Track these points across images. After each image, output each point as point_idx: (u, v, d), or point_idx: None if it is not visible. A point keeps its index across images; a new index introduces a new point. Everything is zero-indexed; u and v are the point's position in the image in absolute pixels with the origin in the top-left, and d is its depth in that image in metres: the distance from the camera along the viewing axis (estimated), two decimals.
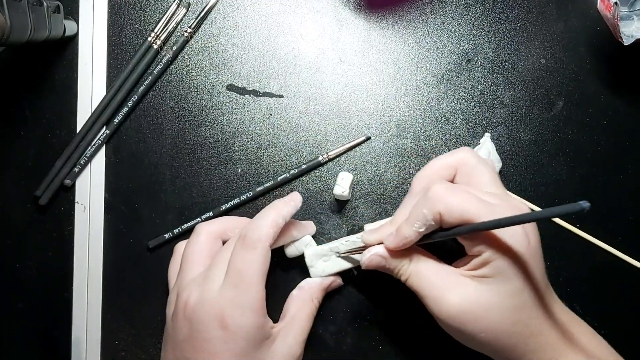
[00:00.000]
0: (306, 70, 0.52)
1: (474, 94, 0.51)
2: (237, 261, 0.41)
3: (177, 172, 0.52)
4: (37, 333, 0.52)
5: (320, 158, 0.51)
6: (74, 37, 0.52)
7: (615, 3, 0.45)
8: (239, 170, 0.51)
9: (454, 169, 0.43)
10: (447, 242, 0.43)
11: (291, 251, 0.48)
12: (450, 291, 0.40)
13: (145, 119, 0.52)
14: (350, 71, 0.52)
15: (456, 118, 0.51)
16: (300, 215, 0.51)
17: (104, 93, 0.52)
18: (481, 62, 0.51)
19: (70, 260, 0.52)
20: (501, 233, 0.39)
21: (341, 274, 0.49)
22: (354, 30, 0.52)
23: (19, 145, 0.52)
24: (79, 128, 0.52)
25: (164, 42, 0.52)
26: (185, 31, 0.52)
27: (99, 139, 0.52)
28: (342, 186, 0.49)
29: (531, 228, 0.40)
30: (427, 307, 0.41)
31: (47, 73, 0.52)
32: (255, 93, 0.52)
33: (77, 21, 0.52)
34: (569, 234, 0.50)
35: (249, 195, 0.51)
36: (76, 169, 0.51)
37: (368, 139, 0.51)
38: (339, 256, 0.47)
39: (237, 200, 0.51)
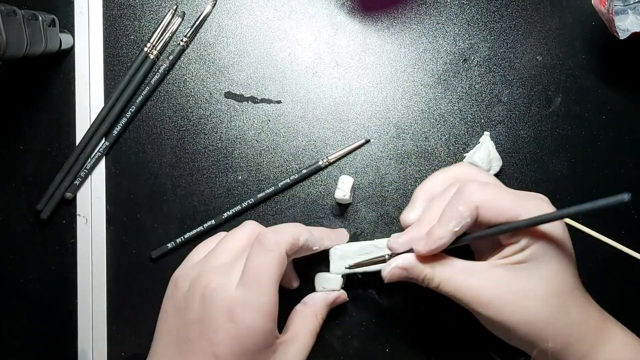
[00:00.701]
0: (303, 76, 0.52)
1: (471, 93, 0.51)
2: (251, 262, 0.41)
3: (177, 182, 0.52)
4: (43, 346, 0.52)
5: (320, 162, 0.51)
6: (70, 50, 0.52)
7: None
8: (240, 177, 0.51)
9: (458, 179, 0.43)
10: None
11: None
12: (485, 287, 0.39)
13: (144, 130, 0.52)
14: (347, 75, 0.52)
15: (455, 118, 0.51)
16: (302, 220, 0.51)
17: (102, 105, 0.52)
18: (478, 61, 0.51)
19: (73, 272, 0.52)
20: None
21: (347, 280, 0.49)
22: (349, 33, 0.52)
23: (18, 159, 0.52)
24: (78, 140, 0.52)
25: (160, 52, 0.52)
26: (181, 40, 0.52)
27: (98, 150, 0.52)
28: (343, 190, 0.49)
29: None
30: (466, 307, 0.40)
31: (45, 87, 0.52)
32: (253, 100, 0.52)
33: (72, 34, 0.52)
34: (571, 229, 0.50)
35: (250, 202, 0.51)
36: (77, 182, 0.51)
37: (367, 141, 0.51)
38: (348, 267, 0.46)
39: (238, 208, 0.51)
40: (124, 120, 0.51)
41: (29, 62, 0.51)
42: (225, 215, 0.51)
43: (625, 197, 0.32)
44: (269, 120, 0.52)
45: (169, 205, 0.51)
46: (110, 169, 0.52)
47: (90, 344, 0.51)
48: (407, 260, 0.41)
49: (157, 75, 0.52)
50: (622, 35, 0.46)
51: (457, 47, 0.51)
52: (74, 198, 0.52)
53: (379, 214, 0.51)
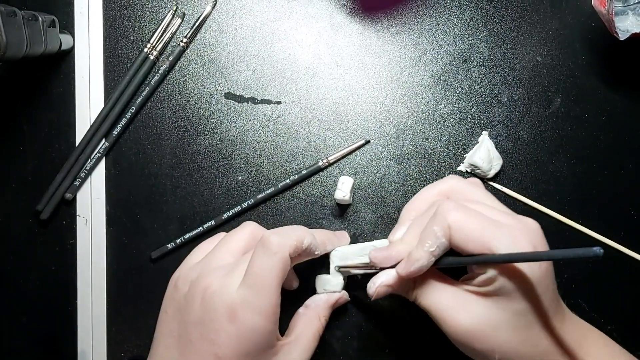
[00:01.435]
0: (303, 76, 0.52)
1: (471, 94, 0.51)
2: (255, 264, 0.41)
3: (177, 182, 0.52)
4: (43, 347, 0.52)
5: (320, 163, 0.51)
6: (70, 51, 0.52)
7: None
8: (240, 178, 0.51)
9: (445, 195, 0.43)
10: None
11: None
12: (459, 311, 0.40)
13: (144, 130, 0.52)
14: (347, 75, 0.52)
15: (455, 118, 0.51)
16: (302, 221, 0.51)
17: (102, 105, 0.52)
18: (477, 62, 0.51)
19: (73, 273, 0.52)
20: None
21: (347, 281, 0.49)
22: (349, 34, 0.52)
23: (18, 160, 0.52)
24: (77, 141, 0.52)
25: (160, 53, 0.52)
26: (181, 41, 0.52)
27: (98, 151, 0.52)
28: (343, 190, 0.49)
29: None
30: (438, 325, 0.41)
31: (44, 87, 0.52)
32: (253, 100, 0.52)
33: (72, 35, 0.52)
34: (571, 230, 0.50)
35: (250, 203, 0.51)
36: (76, 183, 0.51)
37: (367, 142, 0.51)
38: (338, 271, 0.47)
39: (238, 208, 0.51)
40: (123, 121, 0.51)
41: (29, 63, 0.51)
42: (225, 215, 0.51)
43: (599, 251, 0.31)
44: (269, 121, 0.52)
45: (168, 206, 0.51)
46: (110, 170, 0.52)
47: (90, 344, 0.51)
48: (390, 277, 0.42)
49: (157, 76, 0.52)
50: (622, 36, 0.46)
51: (457, 48, 0.51)
52: (74, 199, 0.52)
53: (379, 214, 0.51)
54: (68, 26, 0.52)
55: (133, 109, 0.52)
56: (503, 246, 0.37)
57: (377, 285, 0.42)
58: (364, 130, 0.51)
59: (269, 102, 0.52)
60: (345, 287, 0.49)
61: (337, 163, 0.51)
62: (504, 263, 0.38)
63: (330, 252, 0.47)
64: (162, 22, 0.52)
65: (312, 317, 0.46)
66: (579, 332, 0.41)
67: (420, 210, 0.43)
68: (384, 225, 0.51)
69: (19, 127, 0.52)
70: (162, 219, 0.51)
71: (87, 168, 0.51)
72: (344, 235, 0.49)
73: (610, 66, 0.51)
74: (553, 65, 0.51)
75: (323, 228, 0.51)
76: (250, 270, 0.41)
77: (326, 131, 0.51)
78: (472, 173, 0.51)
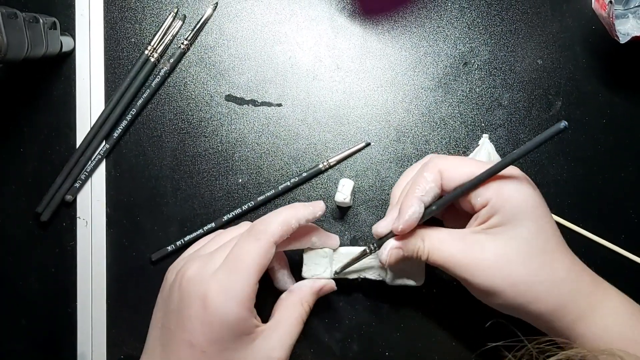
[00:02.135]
0: (304, 79, 0.52)
1: (472, 96, 0.51)
2: (236, 248, 0.41)
3: (178, 184, 0.52)
4: (42, 349, 0.52)
5: (320, 165, 0.51)
6: (71, 53, 0.52)
7: (610, 2, 0.45)
8: (240, 180, 0.51)
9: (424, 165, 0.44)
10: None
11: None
12: (469, 252, 0.40)
13: (144, 132, 0.52)
14: (347, 78, 0.52)
15: (455, 121, 0.51)
16: None
17: (103, 107, 0.52)
18: (478, 65, 0.51)
19: (73, 275, 0.52)
20: (503, 182, 0.40)
21: (345, 278, 0.49)
22: (350, 37, 0.52)
23: (18, 161, 0.52)
24: (78, 143, 0.52)
25: (161, 55, 0.52)
26: (182, 43, 0.52)
27: (98, 153, 0.52)
28: (344, 193, 0.49)
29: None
30: (454, 276, 0.41)
31: (45, 89, 0.52)
32: (253, 103, 0.52)
33: (73, 37, 0.52)
34: (571, 232, 0.50)
35: (250, 205, 0.51)
36: (77, 184, 0.51)
37: (368, 145, 0.51)
38: (336, 273, 0.47)
39: (238, 211, 0.51)
40: (124, 123, 0.51)
41: (29, 65, 0.51)
42: (226, 217, 0.51)
43: (562, 125, 0.35)
44: (270, 123, 0.52)
45: (169, 208, 0.51)
46: (111, 172, 0.52)
47: (90, 347, 0.51)
48: (400, 239, 0.42)
49: (158, 78, 0.52)
50: (623, 39, 0.46)
51: (457, 51, 0.52)
52: (74, 200, 0.52)
53: (379, 217, 0.51)
54: (69, 28, 0.52)
55: (134, 111, 0.52)
56: (490, 189, 0.40)
57: (388, 249, 0.42)
58: (364, 133, 0.51)
59: (269, 104, 0.52)
60: (345, 290, 0.49)
61: (338, 165, 0.51)
62: (490, 177, 0.39)
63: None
64: (163, 24, 0.52)
65: (294, 302, 0.45)
66: (592, 273, 0.41)
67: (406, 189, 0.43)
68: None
69: (19, 129, 0.52)
70: (163, 221, 0.51)
71: (88, 170, 0.51)
72: (321, 204, 0.46)
73: (610, 69, 0.51)
74: (553, 68, 0.51)
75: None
76: (231, 254, 0.41)
77: (327, 134, 0.51)
78: None
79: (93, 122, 0.52)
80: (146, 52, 0.52)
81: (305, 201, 0.51)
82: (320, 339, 0.51)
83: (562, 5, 0.52)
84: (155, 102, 0.52)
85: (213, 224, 0.51)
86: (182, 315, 0.40)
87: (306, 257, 0.47)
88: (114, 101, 0.52)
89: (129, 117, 0.52)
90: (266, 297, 0.45)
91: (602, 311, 0.39)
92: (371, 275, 0.48)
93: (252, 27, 0.52)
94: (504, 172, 0.40)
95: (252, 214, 0.51)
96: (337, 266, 0.47)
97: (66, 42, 0.51)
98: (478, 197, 0.40)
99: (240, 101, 0.52)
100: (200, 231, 0.51)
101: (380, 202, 0.51)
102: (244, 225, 0.46)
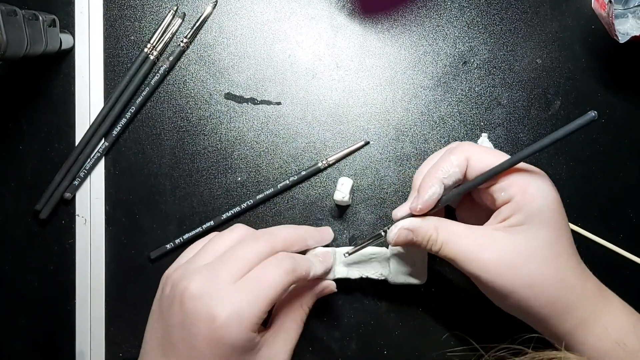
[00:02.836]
0: (303, 77, 0.52)
1: (471, 95, 0.51)
2: (261, 273, 0.40)
3: (177, 182, 0.52)
4: (41, 348, 0.52)
5: (319, 164, 0.51)
6: (71, 50, 0.52)
7: (610, 1, 0.45)
8: (239, 178, 0.51)
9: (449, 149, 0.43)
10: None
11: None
12: (486, 249, 0.39)
13: (143, 130, 0.52)
14: (347, 76, 0.52)
15: (454, 120, 0.51)
16: (301, 222, 0.51)
17: (102, 105, 0.52)
18: (477, 64, 0.51)
19: (72, 273, 0.51)
20: (529, 180, 0.39)
21: (344, 278, 0.49)
22: (349, 35, 0.52)
23: (17, 159, 0.52)
24: (77, 141, 0.52)
25: (161, 53, 0.52)
26: (181, 41, 0.52)
27: (97, 151, 0.52)
28: (343, 191, 0.49)
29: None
30: (465, 272, 0.40)
31: (44, 87, 0.52)
32: (252, 101, 0.52)
33: (73, 34, 0.52)
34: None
35: (249, 203, 0.51)
36: (76, 182, 0.51)
37: (367, 143, 0.51)
38: (348, 254, 0.46)
39: (237, 209, 0.51)
40: (123, 121, 0.51)
41: (29, 62, 0.51)
42: (225, 216, 0.51)
43: (592, 114, 0.35)
44: (269, 122, 0.52)
45: (168, 206, 0.51)
46: (110, 170, 0.52)
47: (88, 345, 0.51)
48: (412, 222, 0.42)
49: (157, 76, 0.52)
50: (622, 39, 0.46)
51: (457, 50, 0.52)
52: (73, 198, 0.52)
53: (378, 215, 0.51)
54: (68, 26, 0.52)
55: (133, 109, 0.52)
56: (515, 185, 0.39)
57: (398, 227, 0.42)
58: (363, 132, 0.51)
59: (268, 102, 0.52)
60: (344, 289, 0.49)
61: (337, 164, 0.51)
62: (513, 165, 0.39)
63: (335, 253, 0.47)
64: (162, 22, 0.52)
65: (294, 305, 0.45)
66: (597, 280, 0.41)
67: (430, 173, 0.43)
68: (382, 227, 0.51)
69: (18, 127, 0.52)
70: (161, 219, 0.51)
71: (87, 168, 0.51)
72: (327, 231, 0.48)
73: (609, 69, 0.51)
74: (553, 67, 0.51)
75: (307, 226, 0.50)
76: (253, 274, 0.40)
77: (326, 132, 0.51)
78: None
79: (92, 120, 0.52)
80: (145, 50, 0.52)
81: (304, 200, 0.51)
82: (319, 338, 0.51)
83: (562, 5, 0.52)
84: (154, 100, 0.52)
85: (212, 222, 0.51)
86: (186, 331, 0.39)
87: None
88: (113, 99, 0.52)
89: (128, 115, 0.51)
90: None
91: (604, 319, 0.39)
92: (374, 274, 0.48)
93: (252, 26, 0.52)
94: (530, 169, 0.40)
95: (251, 212, 0.51)
96: (339, 267, 0.47)
97: (65, 39, 0.51)
98: (502, 191, 0.39)
99: (240, 99, 0.52)
100: (199, 229, 0.51)
101: (380, 201, 0.51)
102: (238, 229, 0.45)
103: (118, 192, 0.52)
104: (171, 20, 0.52)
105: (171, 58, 0.52)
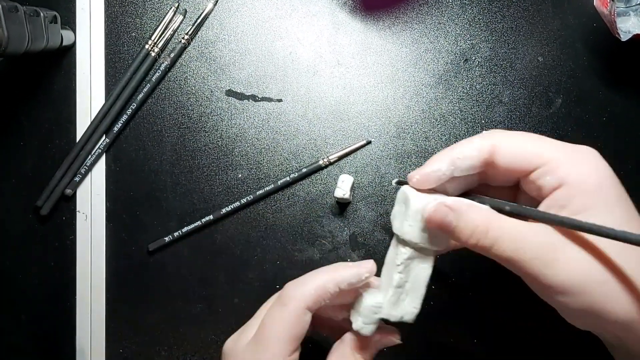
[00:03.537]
0: (304, 74, 0.52)
1: (472, 93, 0.51)
2: (266, 316, 0.39)
3: (177, 179, 0.52)
4: (41, 344, 0.52)
5: (320, 162, 0.51)
6: (72, 47, 0.52)
7: None
8: (240, 175, 0.51)
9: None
10: None
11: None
12: (562, 250, 0.31)
13: (144, 127, 0.52)
14: (348, 74, 0.52)
15: (455, 118, 0.51)
16: (301, 218, 0.51)
17: (103, 102, 0.52)
18: (479, 62, 0.51)
19: (72, 269, 0.52)
20: (578, 157, 0.33)
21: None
22: (350, 32, 0.52)
23: (18, 155, 0.52)
24: (78, 137, 0.52)
25: (162, 50, 0.52)
26: (183, 38, 0.52)
27: (98, 147, 0.52)
28: (343, 188, 0.49)
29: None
30: (530, 277, 0.32)
31: (45, 83, 0.52)
32: (253, 98, 0.52)
33: (74, 31, 0.52)
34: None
35: (249, 199, 0.51)
36: (77, 179, 0.51)
37: (369, 143, 0.51)
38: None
39: (237, 204, 0.51)
40: (124, 118, 0.52)
41: (30, 59, 0.51)
42: (224, 210, 0.51)
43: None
44: (270, 119, 0.52)
45: (168, 203, 0.51)
46: (111, 166, 0.52)
47: (89, 341, 0.51)
48: (459, 202, 0.34)
49: (158, 72, 0.52)
50: (624, 37, 0.46)
51: (458, 47, 0.51)
52: (74, 195, 0.52)
53: (379, 213, 0.51)
54: (69, 22, 0.52)
55: (134, 105, 0.52)
56: (563, 165, 0.32)
57: (439, 200, 0.34)
58: (364, 129, 0.51)
59: (269, 99, 0.52)
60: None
61: (338, 162, 0.51)
62: (574, 228, 0.31)
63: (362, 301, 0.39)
64: (163, 18, 0.52)
65: (346, 354, 0.39)
66: None
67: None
68: (383, 224, 0.51)
69: (19, 123, 0.52)
70: (162, 215, 0.51)
71: (88, 164, 0.51)
72: (370, 264, 0.39)
73: (611, 67, 0.51)
74: (554, 65, 0.51)
75: (322, 226, 0.50)
76: (260, 325, 0.39)
77: (327, 129, 0.51)
78: None
79: (93, 117, 0.52)
80: (147, 46, 0.52)
81: (305, 197, 0.51)
82: (318, 338, 0.51)
83: (564, 3, 0.51)
84: (155, 96, 0.52)
85: (211, 217, 0.51)
86: None
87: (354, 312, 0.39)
88: (114, 95, 0.52)
89: (129, 111, 0.52)
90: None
91: None
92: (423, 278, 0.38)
93: (253, 22, 0.52)
94: (570, 146, 0.34)
95: (251, 208, 0.51)
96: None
97: (67, 36, 0.51)
98: (548, 175, 0.33)
99: (241, 96, 0.52)
100: (198, 223, 0.51)
101: (380, 198, 0.51)
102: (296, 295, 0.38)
103: (119, 188, 0.52)
104: (172, 17, 0.52)
105: (172, 55, 0.52)
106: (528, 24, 0.51)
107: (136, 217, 0.52)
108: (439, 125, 0.51)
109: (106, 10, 0.52)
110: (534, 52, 0.51)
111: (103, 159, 0.52)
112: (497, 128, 0.51)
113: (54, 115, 0.52)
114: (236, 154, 0.52)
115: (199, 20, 0.52)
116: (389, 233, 0.48)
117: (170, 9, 0.52)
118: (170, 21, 0.52)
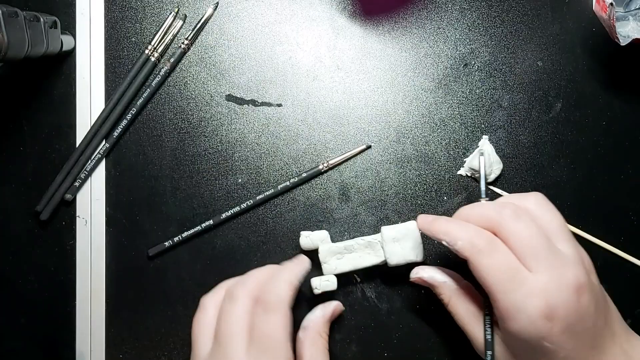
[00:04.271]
0: (304, 79, 0.52)
1: (472, 98, 0.51)
2: (262, 326, 0.41)
3: (177, 184, 0.52)
4: (41, 348, 0.52)
5: (320, 166, 0.51)
6: (72, 52, 0.52)
7: (611, 4, 0.45)
8: (240, 180, 0.51)
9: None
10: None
11: (306, 244, 0.48)
12: (518, 292, 0.38)
13: (144, 132, 0.52)
14: (347, 78, 0.52)
15: (455, 122, 0.51)
16: (302, 223, 0.51)
17: (103, 106, 0.52)
18: (478, 66, 0.51)
19: (72, 274, 0.52)
20: (503, 219, 0.40)
21: (344, 280, 0.49)
22: (350, 37, 0.52)
23: (18, 160, 0.52)
24: (78, 142, 0.52)
25: (162, 55, 0.52)
26: (183, 43, 0.52)
27: (98, 152, 0.52)
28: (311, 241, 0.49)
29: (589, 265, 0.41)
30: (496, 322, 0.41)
31: (45, 88, 0.52)
32: (253, 103, 0.52)
33: (74, 36, 0.52)
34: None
35: (249, 204, 0.51)
36: (76, 183, 0.51)
37: (369, 147, 0.51)
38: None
39: (237, 209, 0.51)
40: (124, 122, 0.52)
41: (30, 64, 0.51)
42: (224, 215, 0.51)
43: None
44: (269, 124, 0.52)
45: (168, 208, 0.51)
46: (110, 171, 0.52)
47: (89, 346, 0.51)
48: (433, 278, 0.45)
49: (158, 77, 0.52)
50: (623, 42, 0.46)
51: (457, 52, 0.52)
52: (74, 199, 0.52)
53: (379, 217, 0.51)
54: (69, 27, 0.52)
55: (134, 110, 0.52)
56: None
57: (419, 276, 0.46)
58: (364, 134, 0.51)
59: (269, 104, 0.52)
60: (344, 291, 0.49)
61: (338, 166, 0.51)
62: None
63: (319, 251, 0.48)
64: (163, 23, 0.52)
65: (314, 337, 0.45)
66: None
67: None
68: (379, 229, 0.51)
69: (19, 128, 0.52)
70: (162, 220, 0.51)
71: (87, 169, 0.51)
72: (303, 259, 0.47)
73: (610, 71, 0.51)
74: (554, 70, 0.51)
75: (323, 231, 0.50)
76: (258, 334, 0.41)
77: (327, 134, 0.51)
78: (471, 177, 0.51)
79: (93, 121, 0.52)
80: (146, 51, 0.52)
81: (304, 202, 0.51)
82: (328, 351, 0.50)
83: (563, 7, 0.52)
84: (155, 101, 0.52)
85: (211, 221, 0.51)
86: None
87: (322, 254, 0.48)
88: (114, 100, 0.52)
89: (129, 116, 0.52)
90: None
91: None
92: (367, 262, 0.48)
93: (253, 27, 0.52)
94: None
95: (250, 213, 0.51)
96: (328, 264, 0.48)
97: (67, 41, 0.51)
98: (459, 240, 0.40)
99: (241, 101, 0.52)
100: (198, 228, 0.51)
101: (380, 203, 0.51)
102: (209, 301, 0.46)
103: (119, 193, 0.52)
104: (172, 22, 0.52)
105: (172, 60, 0.52)
106: (527, 28, 0.52)
107: (136, 222, 0.52)
108: (439, 130, 0.51)
109: (106, 15, 0.52)
110: (534, 57, 0.51)
111: (103, 163, 0.52)
112: (497, 132, 0.51)
113: (53, 120, 0.52)
114: (236, 158, 0.52)
115: (198, 25, 0.52)
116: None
117: (170, 14, 0.52)
118: (170, 26, 0.52)
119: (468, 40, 0.52)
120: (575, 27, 0.51)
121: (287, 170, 0.51)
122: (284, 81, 0.52)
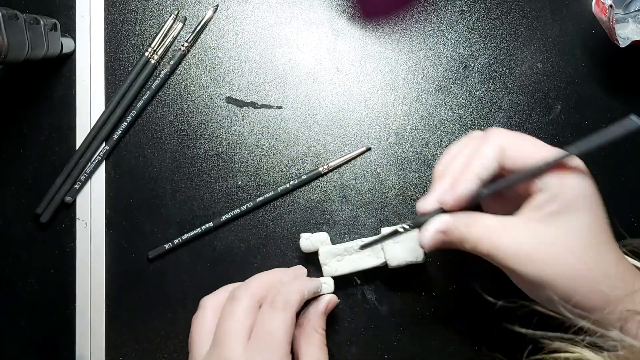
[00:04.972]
0: (304, 81, 0.52)
1: (471, 100, 0.51)
2: (265, 323, 0.41)
3: (177, 186, 0.52)
4: (40, 351, 0.52)
5: (320, 168, 0.51)
6: (72, 54, 0.52)
7: (611, 6, 0.45)
8: (240, 182, 0.51)
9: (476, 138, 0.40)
10: None
11: (306, 246, 0.48)
12: (524, 243, 0.37)
13: (144, 134, 0.52)
14: (347, 81, 0.52)
15: (455, 124, 0.51)
16: (302, 225, 0.51)
17: (103, 109, 0.52)
18: (478, 68, 0.51)
19: (72, 276, 0.51)
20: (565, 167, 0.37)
21: (344, 282, 0.49)
22: (350, 39, 0.52)
23: (18, 163, 0.52)
24: (78, 144, 0.52)
25: (161, 57, 0.52)
26: (182, 45, 0.52)
27: (98, 155, 0.52)
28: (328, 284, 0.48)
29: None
30: (501, 267, 0.38)
31: (45, 90, 0.52)
32: (253, 105, 0.52)
33: (74, 38, 0.52)
34: None
35: (249, 206, 0.51)
36: (76, 186, 0.51)
37: (368, 149, 0.51)
38: (360, 249, 0.46)
39: (237, 211, 0.51)
40: (124, 125, 0.52)
41: (30, 66, 0.51)
42: (224, 218, 0.51)
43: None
44: (269, 126, 0.52)
45: (168, 210, 0.51)
46: (110, 173, 0.52)
47: (89, 348, 0.51)
48: (444, 223, 0.39)
49: (158, 80, 0.52)
50: (623, 44, 0.46)
51: (457, 54, 0.52)
52: (74, 202, 0.52)
53: (379, 219, 0.51)
54: (69, 30, 0.52)
55: (134, 112, 0.52)
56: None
57: (433, 231, 0.39)
58: (364, 136, 0.51)
59: (269, 106, 0.52)
60: (343, 293, 0.49)
61: (338, 168, 0.51)
62: (555, 165, 0.37)
63: (319, 253, 0.48)
64: (163, 26, 0.52)
65: (309, 333, 0.45)
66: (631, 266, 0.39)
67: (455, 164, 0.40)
68: (380, 228, 0.51)
69: (19, 130, 0.52)
70: (162, 222, 0.51)
71: (87, 171, 0.51)
72: (300, 269, 0.49)
73: (610, 73, 0.51)
74: (553, 72, 0.51)
75: (324, 233, 0.50)
76: (260, 330, 0.41)
77: (326, 136, 0.51)
78: None
79: (93, 124, 0.52)
80: (146, 54, 0.52)
81: (305, 204, 0.51)
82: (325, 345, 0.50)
83: (562, 9, 0.52)
84: (155, 104, 0.52)
85: (211, 224, 0.51)
86: None
87: (322, 256, 0.48)
88: (114, 103, 0.52)
89: (129, 118, 0.52)
90: None
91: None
92: (368, 264, 0.48)
93: (253, 30, 0.52)
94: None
95: (250, 215, 0.51)
96: (327, 266, 0.48)
97: (67, 43, 0.51)
98: (535, 184, 0.37)
99: (240, 103, 0.52)
100: (198, 230, 0.51)
101: (380, 205, 0.51)
102: (209, 302, 0.46)
103: (118, 195, 0.52)
104: (172, 25, 0.52)
105: (172, 62, 0.52)
106: (527, 30, 0.52)
107: (136, 225, 0.52)
108: (439, 132, 0.51)
109: (106, 18, 0.53)
110: (533, 59, 0.51)
111: (103, 166, 0.52)
112: None
113: (53, 123, 0.52)
114: (236, 161, 0.52)
115: (198, 28, 0.52)
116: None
117: (170, 16, 0.52)
118: (170, 28, 0.52)
119: (468, 42, 0.52)
120: (575, 29, 0.51)
121: (287, 173, 0.51)
122: (284, 83, 0.52)
